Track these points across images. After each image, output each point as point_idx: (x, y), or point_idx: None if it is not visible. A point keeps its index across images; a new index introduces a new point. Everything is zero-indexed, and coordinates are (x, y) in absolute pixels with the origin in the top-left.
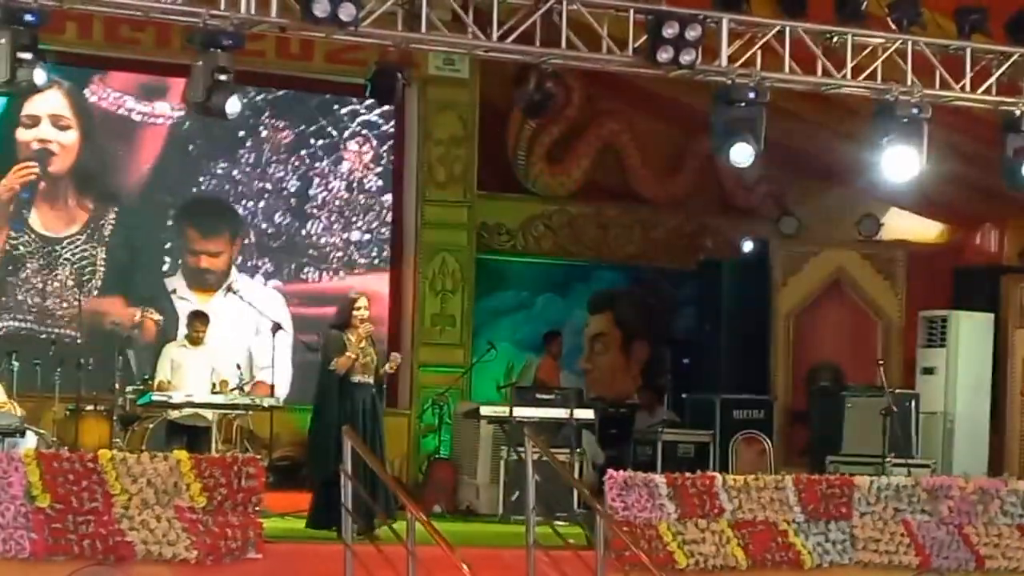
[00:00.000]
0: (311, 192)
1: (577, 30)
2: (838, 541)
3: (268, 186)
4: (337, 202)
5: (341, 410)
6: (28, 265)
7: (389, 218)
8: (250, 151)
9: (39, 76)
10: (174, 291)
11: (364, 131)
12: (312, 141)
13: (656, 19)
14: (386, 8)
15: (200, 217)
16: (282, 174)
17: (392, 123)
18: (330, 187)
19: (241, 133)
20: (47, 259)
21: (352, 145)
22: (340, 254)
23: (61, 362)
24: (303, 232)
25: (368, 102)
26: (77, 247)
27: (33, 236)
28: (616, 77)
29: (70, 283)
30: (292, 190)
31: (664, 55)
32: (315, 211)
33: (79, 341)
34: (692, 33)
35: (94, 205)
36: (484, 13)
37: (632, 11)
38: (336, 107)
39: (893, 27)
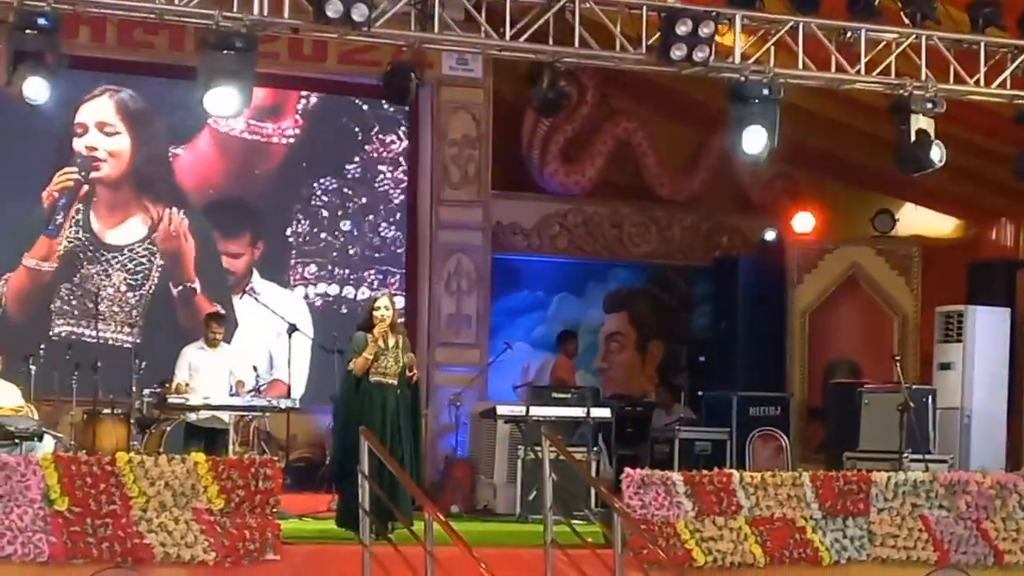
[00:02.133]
0: (328, 194)
1: (590, 28)
2: (856, 537)
3: (291, 189)
4: (354, 204)
5: (361, 410)
6: (82, 270)
7: (404, 218)
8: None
9: (32, 88)
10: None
11: (379, 132)
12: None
13: (669, 16)
14: (399, 8)
15: (222, 219)
16: (305, 175)
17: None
18: (348, 189)
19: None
20: (104, 264)
21: (366, 146)
22: (357, 256)
23: (76, 366)
24: (322, 234)
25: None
26: (135, 253)
27: (87, 240)
28: (630, 75)
29: (123, 288)
30: (314, 192)
31: (678, 52)
32: (331, 213)
33: (129, 345)
34: (705, 30)
35: (156, 209)
36: (497, 12)
37: (645, 8)
38: (352, 109)
39: (907, 22)
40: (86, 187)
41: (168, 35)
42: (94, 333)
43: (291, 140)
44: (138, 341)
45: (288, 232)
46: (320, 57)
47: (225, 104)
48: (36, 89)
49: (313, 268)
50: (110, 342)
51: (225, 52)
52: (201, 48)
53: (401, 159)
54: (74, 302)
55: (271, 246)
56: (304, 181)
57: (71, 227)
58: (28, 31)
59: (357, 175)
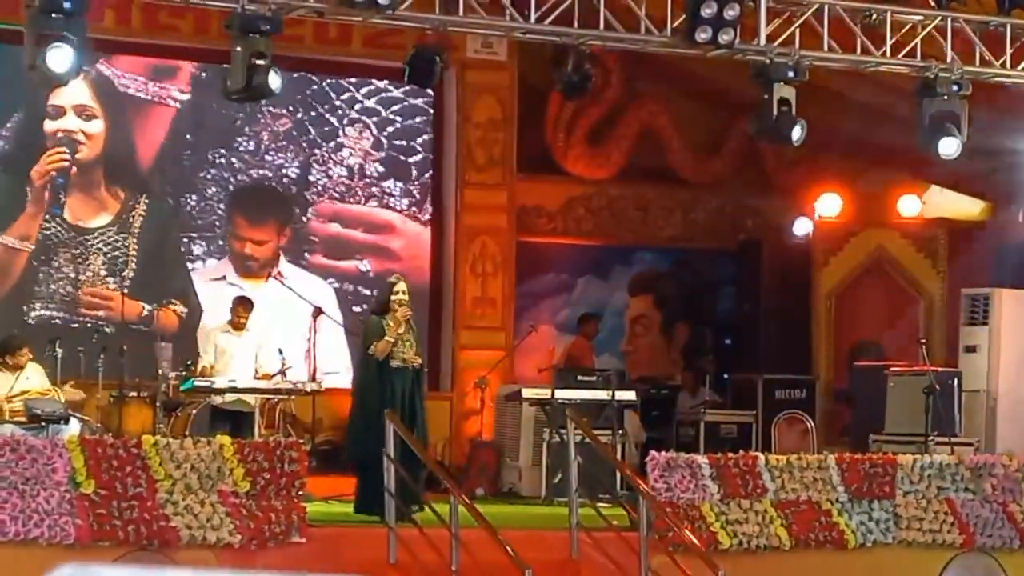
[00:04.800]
0: (360, 178)
1: (615, 10)
2: (881, 520)
3: (313, 173)
4: (379, 186)
5: (381, 395)
6: (61, 255)
7: (429, 201)
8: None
9: (274, 81)
10: (223, 277)
11: (398, 115)
12: (347, 124)
13: None
14: None
15: (249, 204)
16: (320, 160)
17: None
18: (375, 172)
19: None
20: (79, 249)
21: (388, 128)
22: (382, 235)
23: (103, 350)
24: (346, 217)
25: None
26: (108, 237)
27: (64, 226)
28: (655, 58)
29: (103, 272)
30: (341, 176)
31: (702, 35)
32: (357, 196)
33: (108, 330)
34: (730, 12)
35: (124, 195)
36: None
37: None
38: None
39: (932, 4)
40: (74, 169)
41: (193, 18)
42: (72, 317)
43: (319, 124)
44: (106, 325)
45: (313, 216)
46: (345, 40)
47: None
48: (61, 61)
49: (337, 251)
50: (89, 326)
51: (250, 36)
52: (227, 32)
53: (426, 142)
54: (52, 287)
55: (297, 231)
56: (326, 165)
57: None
58: (53, 14)
59: (380, 157)
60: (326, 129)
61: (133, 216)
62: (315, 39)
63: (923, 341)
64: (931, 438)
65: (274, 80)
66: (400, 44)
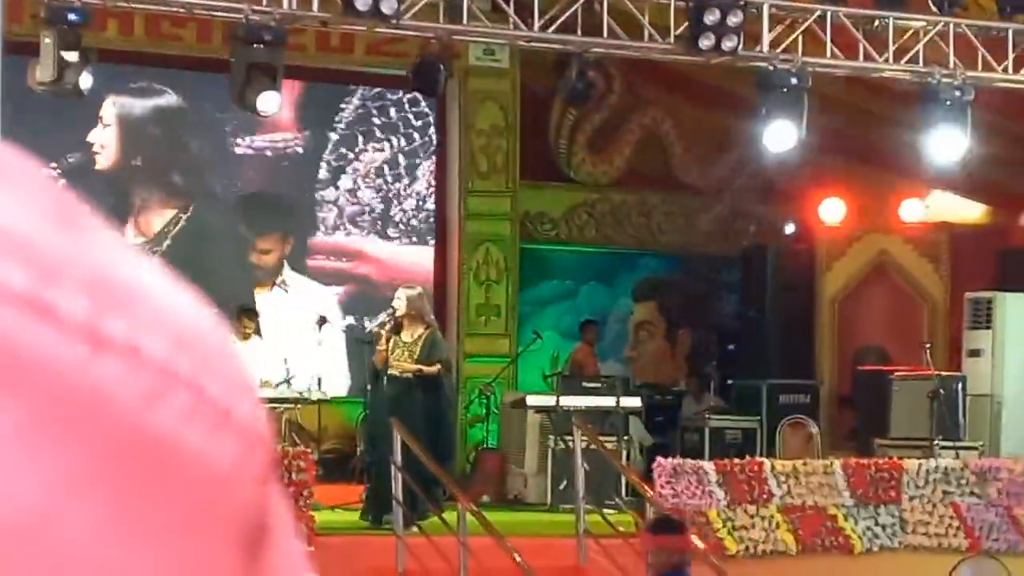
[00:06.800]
0: (351, 187)
1: (618, 18)
2: (887, 525)
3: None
4: (379, 194)
5: (374, 402)
6: None
7: (432, 209)
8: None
9: (85, 80)
10: None
11: (406, 123)
12: (350, 136)
13: (697, 6)
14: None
15: (253, 214)
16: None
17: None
18: (372, 180)
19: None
20: None
21: (392, 138)
22: (383, 244)
23: None
24: (351, 226)
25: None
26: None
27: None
28: (657, 64)
29: None
30: (331, 186)
31: (706, 42)
32: (358, 204)
33: None
34: (734, 19)
35: (167, 205)
36: (525, 3)
37: None
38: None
39: (934, 10)
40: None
41: (196, 28)
42: None
43: (316, 134)
44: None
45: (318, 225)
46: (347, 49)
47: (267, 103)
48: (87, 78)
49: (343, 261)
50: None
51: (255, 46)
52: (230, 42)
53: (429, 150)
54: None
55: (301, 240)
56: (333, 172)
57: None
58: (60, 25)
59: (384, 165)
60: (341, 146)
61: (172, 227)
62: (317, 47)
63: (927, 345)
64: (936, 442)
65: (273, 101)
66: (403, 52)
